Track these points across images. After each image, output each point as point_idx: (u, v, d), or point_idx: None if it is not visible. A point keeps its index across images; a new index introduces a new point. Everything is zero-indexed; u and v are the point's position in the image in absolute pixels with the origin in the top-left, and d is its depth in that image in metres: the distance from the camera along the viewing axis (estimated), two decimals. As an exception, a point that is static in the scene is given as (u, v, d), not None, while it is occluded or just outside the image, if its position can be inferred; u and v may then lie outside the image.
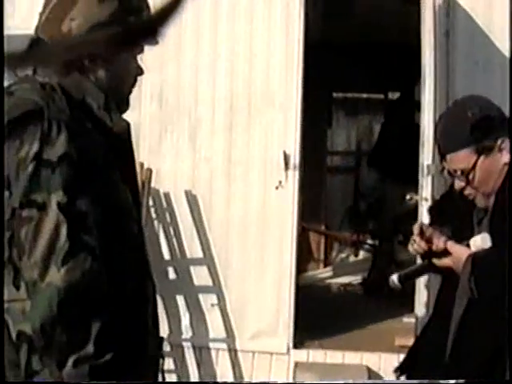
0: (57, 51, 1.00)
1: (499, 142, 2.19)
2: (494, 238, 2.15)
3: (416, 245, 2.26)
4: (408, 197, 4.09)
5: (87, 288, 1.47)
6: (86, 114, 1.57)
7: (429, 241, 2.24)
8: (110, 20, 1.59)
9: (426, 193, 4.06)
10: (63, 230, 1.47)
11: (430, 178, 4.05)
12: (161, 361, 1.79)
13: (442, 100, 4.39)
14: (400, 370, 2.41)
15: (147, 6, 1.69)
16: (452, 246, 2.20)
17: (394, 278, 2.38)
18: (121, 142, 1.64)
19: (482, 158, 2.19)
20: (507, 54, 4.42)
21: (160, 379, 1.74)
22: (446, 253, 2.21)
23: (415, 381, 2.14)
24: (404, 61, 4.67)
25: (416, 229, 2.23)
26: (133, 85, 1.76)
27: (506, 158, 2.20)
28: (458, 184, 2.23)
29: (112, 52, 0.84)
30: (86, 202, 1.48)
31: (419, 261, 2.56)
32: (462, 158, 2.20)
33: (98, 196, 1.51)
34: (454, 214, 2.37)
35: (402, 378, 2.39)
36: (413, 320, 4.31)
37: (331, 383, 4.23)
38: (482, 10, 4.58)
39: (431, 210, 2.73)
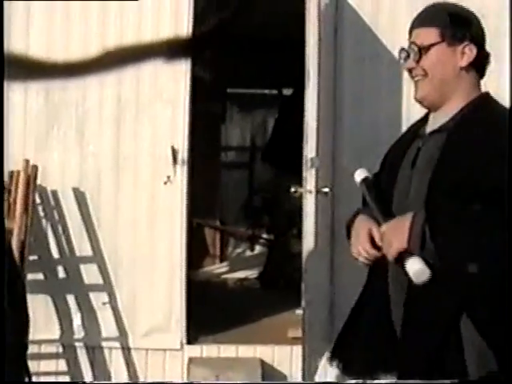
0: (109, 61, 0.94)
1: (465, 43, 2.23)
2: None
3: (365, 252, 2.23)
4: (293, 189, 4.11)
5: None
6: None
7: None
8: None
9: (310, 185, 4.10)
10: None
11: (313, 171, 4.10)
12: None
13: (328, 94, 4.46)
14: (332, 358, 2.34)
15: None
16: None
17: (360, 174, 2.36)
18: None
19: (443, 44, 2.23)
20: (393, 50, 4.51)
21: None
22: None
23: (411, 381, 2.11)
24: (298, 57, 4.73)
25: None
26: None
27: (463, 62, 2.23)
28: (410, 63, 2.26)
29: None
30: None
31: None
32: (426, 34, 2.24)
33: None
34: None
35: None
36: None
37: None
38: (368, 8, 4.67)
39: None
